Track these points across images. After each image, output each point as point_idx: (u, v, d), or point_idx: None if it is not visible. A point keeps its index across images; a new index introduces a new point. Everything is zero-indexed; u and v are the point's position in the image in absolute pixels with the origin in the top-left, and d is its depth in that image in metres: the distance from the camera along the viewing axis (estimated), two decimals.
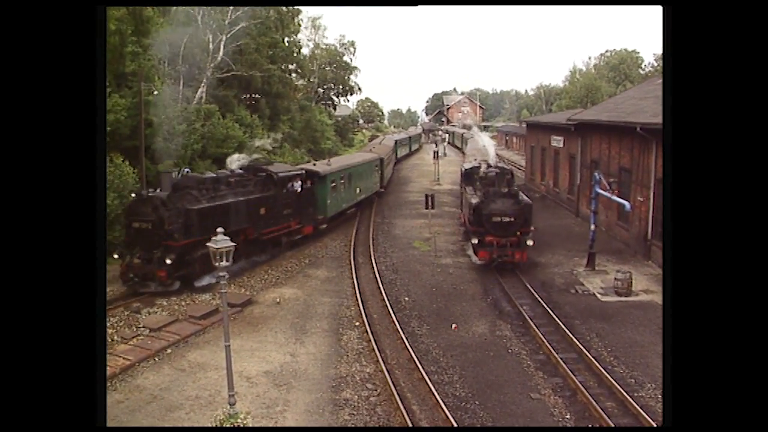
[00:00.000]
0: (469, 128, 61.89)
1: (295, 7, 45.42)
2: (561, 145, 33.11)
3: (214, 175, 19.84)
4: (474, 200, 20.47)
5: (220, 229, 10.20)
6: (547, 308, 15.90)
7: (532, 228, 19.63)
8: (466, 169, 26.10)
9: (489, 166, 23.79)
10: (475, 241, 19.52)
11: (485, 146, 28.82)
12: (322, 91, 66.40)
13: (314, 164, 28.23)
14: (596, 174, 20.08)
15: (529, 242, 19.14)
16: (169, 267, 16.45)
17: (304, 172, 24.09)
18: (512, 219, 18.94)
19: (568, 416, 10.88)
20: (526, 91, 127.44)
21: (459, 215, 27.53)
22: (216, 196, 18.54)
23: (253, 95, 42.43)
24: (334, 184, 26.18)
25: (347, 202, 28.72)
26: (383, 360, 13.08)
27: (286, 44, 45.90)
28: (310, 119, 53.53)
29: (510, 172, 24.03)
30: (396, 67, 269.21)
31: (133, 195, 17.86)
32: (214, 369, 12.46)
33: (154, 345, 13.54)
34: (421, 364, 12.76)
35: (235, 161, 22.95)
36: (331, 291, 18.37)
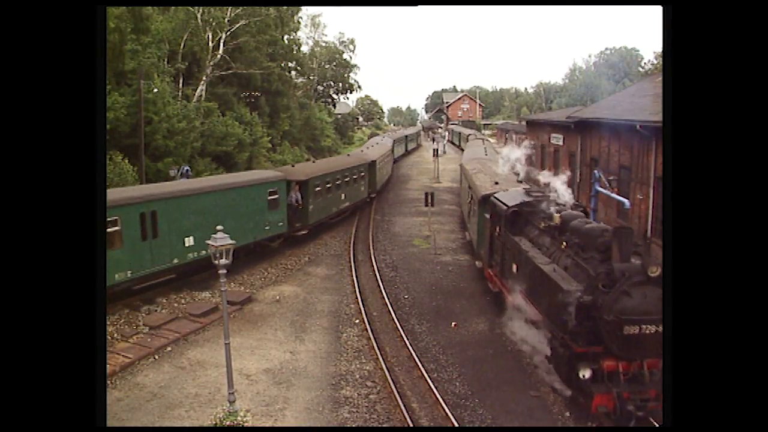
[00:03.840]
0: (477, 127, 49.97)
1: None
2: (560, 143, 33.10)
3: None
4: (569, 285, 10.59)
5: (219, 227, 10.14)
6: None
7: None
8: (510, 207, 14.86)
9: (560, 205, 13.93)
10: (585, 374, 10.01)
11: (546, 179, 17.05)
12: (321, 88, 66.42)
13: None
14: (596, 172, 20.10)
15: None
16: None
17: None
18: (659, 327, 9.73)
19: (567, 413, 10.89)
20: (525, 89, 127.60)
21: (486, 273, 17.36)
22: None
23: (253, 93, 42.43)
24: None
25: (158, 263, 15.88)
26: (383, 357, 13.10)
27: (286, 42, 45.87)
28: (309, 117, 53.59)
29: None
30: (396, 65, 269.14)
31: None
32: (214, 367, 12.47)
33: (153, 343, 13.55)
34: (420, 362, 12.78)
35: None
36: (331, 288, 18.38)
